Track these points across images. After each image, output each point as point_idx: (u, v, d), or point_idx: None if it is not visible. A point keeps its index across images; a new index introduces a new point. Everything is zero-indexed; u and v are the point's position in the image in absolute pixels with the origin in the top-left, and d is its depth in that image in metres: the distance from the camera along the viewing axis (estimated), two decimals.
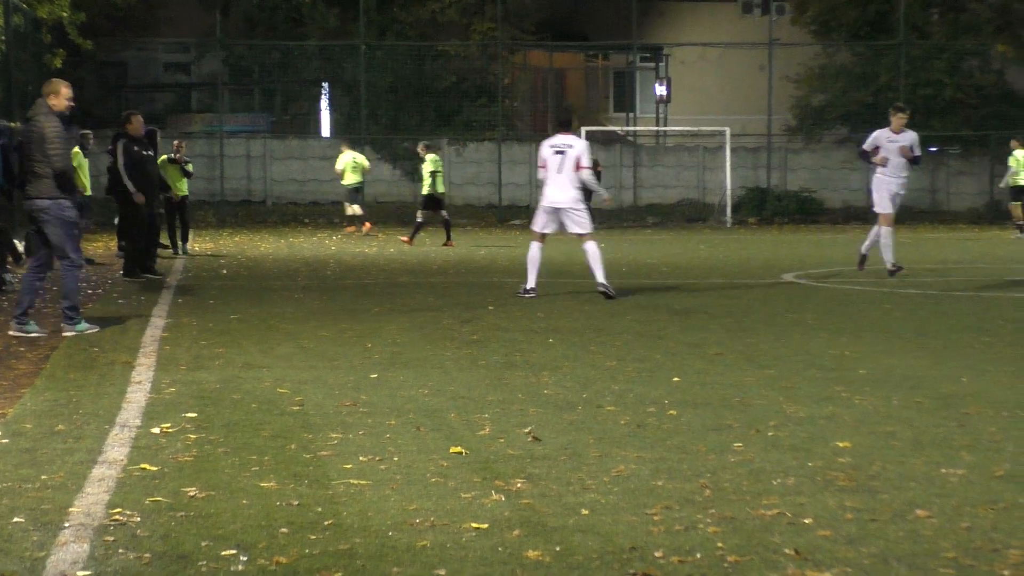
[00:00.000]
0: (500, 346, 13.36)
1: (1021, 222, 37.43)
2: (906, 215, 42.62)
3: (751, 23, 55.02)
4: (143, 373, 11.43)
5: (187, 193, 28.36)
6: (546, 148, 18.85)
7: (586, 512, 6.80)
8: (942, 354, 12.86)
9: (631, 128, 52.70)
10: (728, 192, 44.94)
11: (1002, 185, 39.02)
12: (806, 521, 6.63)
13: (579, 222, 18.75)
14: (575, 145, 18.70)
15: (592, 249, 18.69)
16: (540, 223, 19.01)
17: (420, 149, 33.43)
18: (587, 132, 44.39)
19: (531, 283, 18.84)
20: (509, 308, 17.15)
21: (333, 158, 45.00)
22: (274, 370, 11.65)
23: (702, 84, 54.61)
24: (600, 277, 18.61)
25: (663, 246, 32.42)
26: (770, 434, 8.84)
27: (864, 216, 40.22)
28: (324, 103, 51.93)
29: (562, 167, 18.58)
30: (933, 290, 20.28)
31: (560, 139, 18.83)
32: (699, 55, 52.85)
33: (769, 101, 47.63)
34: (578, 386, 10.81)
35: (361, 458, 8.05)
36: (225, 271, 23.95)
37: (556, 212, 18.80)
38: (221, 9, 48.34)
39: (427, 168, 32.28)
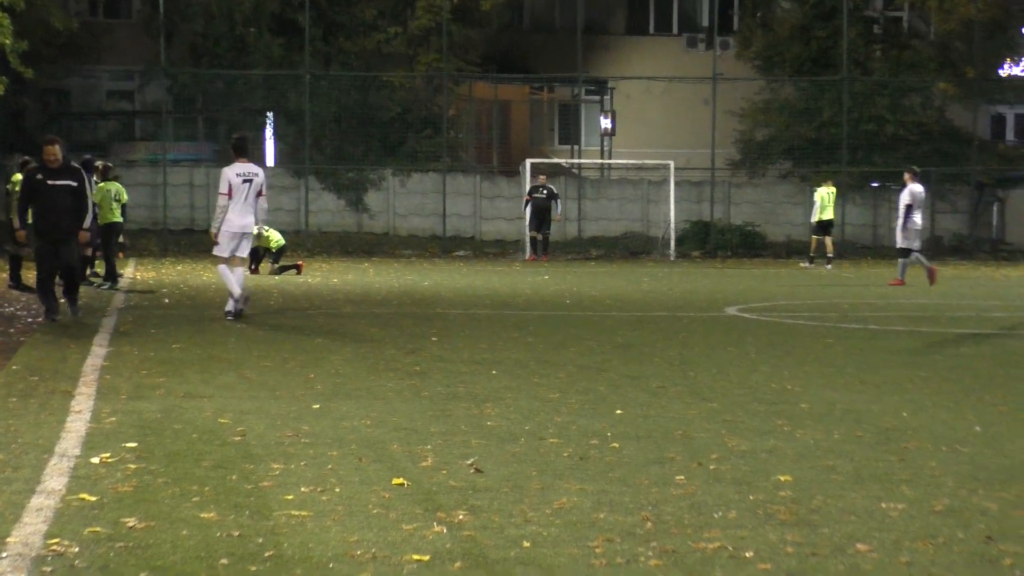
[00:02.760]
0: (443, 377, 13.34)
1: (829, 255, 39.39)
2: (848, 250, 42.91)
3: (695, 57, 55.23)
4: (83, 402, 11.35)
5: (118, 220, 27.53)
6: (234, 176, 19.56)
7: (528, 544, 6.79)
8: (883, 389, 12.94)
9: (576, 160, 52.77)
10: (672, 225, 45.07)
11: (812, 221, 40.44)
12: (747, 555, 6.65)
13: (247, 246, 19.98)
14: (260, 173, 19.73)
15: (240, 272, 19.76)
16: (228, 249, 19.64)
17: None
18: (532, 164, 44.48)
19: (235, 297, 19.57)
20: (452, 339, 17.13)
21: (277, 187, 44.96)
22: (215, 400, 11.60)
23: (647, 117, 54.77)
24: (236, 294, 19.50)
25: (607, 279, 32.49)
26: (712, 467, 8.86)
27: (805, 251, 40.49)
28: (269, 132, 51.79)
29: (248, 195, 19.47)
30: (874, 325, 20.40)
31: (243, 167, 19.63)
32: (644, 89, 53.01)
33: (713, 135, 47.82)
34: (521, 418, 10.80)
35: (302, 489, 8.02)
36: (167, 300, 23.83)
37: (242, 236, 19.68)
38: (165, 37, 48.19)
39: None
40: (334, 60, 49.99)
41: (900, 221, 31.23)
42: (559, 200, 42.80)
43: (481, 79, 52.80)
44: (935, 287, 29.30)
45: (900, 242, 31.33)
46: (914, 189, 30.96)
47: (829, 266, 38.93)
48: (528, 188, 42.49)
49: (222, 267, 19.83)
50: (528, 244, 42.56)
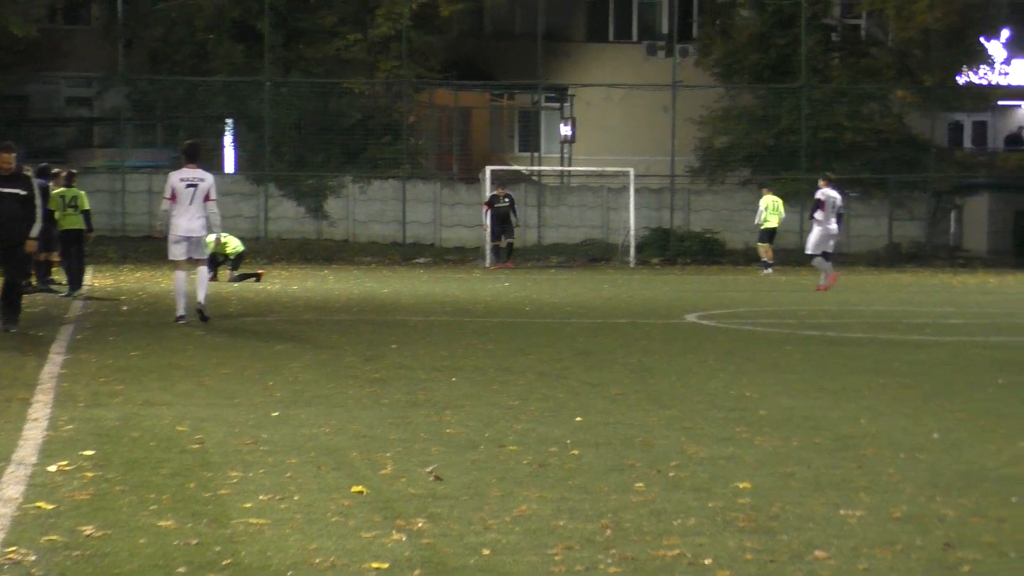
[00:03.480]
0: (403, 384, 13.33)
1: (765, 259, 39.86)
2: (806, 257, 43.03)
3: (655, 65, 55.31)
4: (40, 410, 11.30)
5: (76, 227, 27.28)
6: (177, 181, 20.01)
7: (487, 552, 6.79)
8: (841, 395, 12.98)
9: (536, 168, 52.80)
10: (632, 232, 45.12)
11: (756, 224, 41.01)
12: (706, 562, 6.66)
13: (202, 250, 20.51)
14: (206, 179, 20.02)
15: (203, 274, 20.46)
16: (180, 252, 20.13)
17: None
18: (492, 171, 44.49)
19: (180, 311, 20.01)
20: (412, 346, 17.12)
21: (237, 194, 44.89)
22: (174, 408, 11.56)
23: (607, 124, 54.82)
24: (202, 299, 20.12)
25: (567, 285, 32.52)
26: (671, 474, 8.87)
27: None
28: (228, 139, 51.65)
29: (193, 199, 19.83)
30: (833, 332, 20.47)
31: (189, 172, 20.07)
32: (604, 96, 53.10)
33: (672, 142, 47.92)
34: (481, 425, 10.80)
35: (261, 497, 7.99)
36: (126, 307, 23.73)
37: (189, 240, 20.07)
38: (124, 43, 47.99)
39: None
40: (294, 67, 49.88)
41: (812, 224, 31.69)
42: (518, 207, 42.98)
43: (441, 86, 52.76)
44: (825, 295, 29.29)
45: (819, 247, 31.29)
46: (828, 192, 31.15)
47: (766, 271, 39.30)
48: (488, 197, 42.49)
49: (178, 274, 20.32)
50: (489, 252, 42.55)
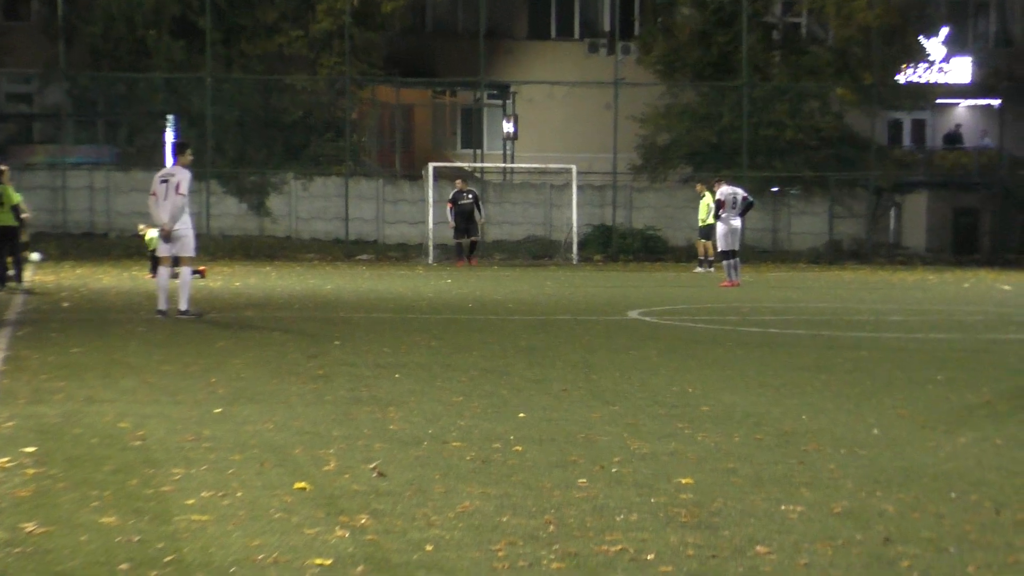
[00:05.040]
0: (346, 381, 13.31)
1: (702, 258, 40.15)
2: (749, 254, 43.23)
3: (597, 62, 55.40)
4: None
5: (10, 224, 27.30)
6: (156, 178, 20.90)
7: (430, 548, 6.80)
8: (782, 392, 13.05)
9: (478, 164, 52.81)
10: (574, 229, 45.20)
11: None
12: (648, 557, 6.69)
13: (186, 245, 20.84)
14: (177, 174, 20.58)
15: (185, 275, 20.84)
16: (164, 249, 20.99)
17: None
18: (435, 168, 44.48)
19: (162, 305, 20.68)
20: (355, 343, 17.10)
21: None
22: (117, 404, 11.51)
23: (549, 122, 54.89)
24: (184, 304, 20.54)
25: (510, 283, 32.54)
26: (614, 470, 8.90)
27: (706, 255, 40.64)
28: (170, 135, 51.42)
29: (167, 194, 20.46)
30: (774, 328, 20.58)
31: (166, 169, 21.20)
32: (546, 93, 53.14)
33: (615, 140, 48.05)
34: (424, 421, 10.80)
35: (204, 493, 7.97)
36: (67, 304, 23.59)
37: (167, 236, 20.68)
38: (64, 39, 47.70)
39: None
40: (236, 63, 49.71)
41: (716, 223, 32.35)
42: (483, 203, 42.72)
43: (383, 83, 52.70)
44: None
45: (720, 245, 32.09)
46: (725, 190, 31.86)
47: (700, 269, 39.47)
48: (452, 194, 42.37)
49: (161, 270, 21.14)
50: (456, 250, 42.45)
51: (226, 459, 9.08)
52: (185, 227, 20.67)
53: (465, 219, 41.62)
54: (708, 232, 39.51)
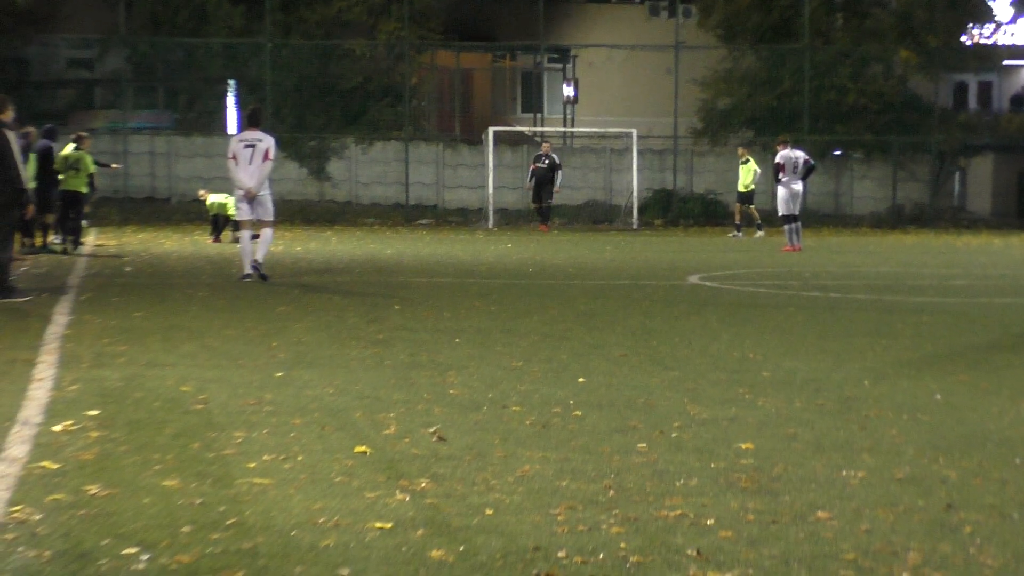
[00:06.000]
0: (406, 346, 13.34)
1: (739, 222, 39.63)
2: (810, 218, 43.03)
3: (657, 26, 55.20)
4: (45, 371, 11.31)
5: (79, 189, 28.02)
6: (236, 142, 21.10)
7: (490, 512, 6.81)
8: (844, 357, 12.99)
9: (538, 129, 52.74)
10: (635, 194, 45.07)
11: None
12: (708, 522, 6.68)
13: (267, 209, 21.06)
14: (264, 139, 20.88)
15: (267, 234, 21.14)
16: (244, 212, 21.14)
17: None
18: (495, 132, 44.43)
19: (247, 269, 20.77)
20: (415, 308, 17.12)
21: None
22: (178, 368, 11.57)
23: (609, 86, 54.77)
24: (260, 257, 20.79)
25: (569, 247, 32.51)
26: (674, 435, 8.89)
27: (770, 219, 40.40)
28: (230, 101, 51.59)
29: (252, 159, 20.69)
30: (835, 293, 20.47)
31: (248, 134, 21.06)
32: (606, 57, 53.00)
33: (675, 104, 47.86)
34: (484, 386, 10.81)
35: (265, 457, 8.01)
36: (129, 269, 23.75)
37: (246, 198, 20.91)
38: (124, 5, 47.90)
39: None
40: (294, 29, 49.76)
41: (776, 187, 32.07)
42: (560, 170, 42.21)
43: (443, 47, 52.66)
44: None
45: (781, 209, 31.87)
46: (786, 154, 31.63)
47: (739, 234, 39.25)
48: (533, 157, 42.19)
49: (243, 233, 21.32)
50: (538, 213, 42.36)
51: (287, 423, 9.12)
52: (267, 191, 20.99)
53: (540, 184, 41.42)
54: (748, 197, 39.40)
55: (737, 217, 39.81)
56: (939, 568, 6.01)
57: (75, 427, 8.85)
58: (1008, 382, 11.47)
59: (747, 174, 39.18)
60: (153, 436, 8.61)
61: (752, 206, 39.49)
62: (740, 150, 41.21)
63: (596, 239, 37.20)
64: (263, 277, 20.53)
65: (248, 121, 21.62)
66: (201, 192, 34.25)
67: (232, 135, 21.74)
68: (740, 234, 39.07)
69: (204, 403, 9.86)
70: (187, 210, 43.89)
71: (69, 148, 28.09)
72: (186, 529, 6.39)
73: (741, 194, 39.60)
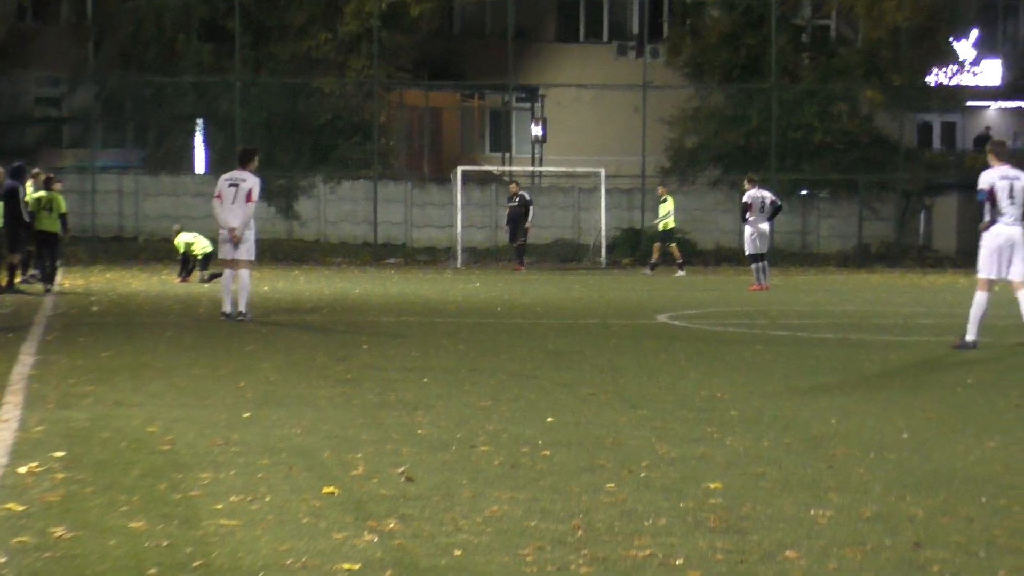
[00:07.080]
0: (374, 385, 13.32)
1: (654, 262, 40.02)
2: (777, 257, 43.13)
3: (626, 65, 55.37)
4: (10, 411, 11.25)
5: (54, 230, 28.04)
6: (222, 181, 21.22)
7: (459, 552, 6.79)
8: (811, 395, 13.02)
9: (507, 168, 52.81)
10: (603, 233, 45.15)
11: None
12: (677, 562, 6.67)
13: (248, 248, 20.92)
14: (248, 179, 20.96)
15: (244, 279, 20.73)
16: (226, 251, 20.91)
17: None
18: (463, 171, 44.48)
19: (226, 307, 20.71)
20: (384, 347, 17.11)
21: (207, 194, 44.64)
22: (145, 408, 11.53)
23: (577, 125, 54.87)
24: (243, 307, 20.63)
25: (538, 286, 32.53)
26: (642, 475, 8.89)
27: (736, 258, 40.43)
28: (199, 139, 51.53)
29: (235, 198, 20.73)
30: (803, 332, 20.52)
31: (234, 173, 21.19)
32: (574, 96, 53.12)
33: (643, 142, 47.99)
34: (452, 425, 10.80)
35: (232, 498, 7.98)
36: (96, 308, 23.67)
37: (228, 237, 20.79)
38: (94, 42, 47.86)
39: None
40: (264, 66, 49.80)
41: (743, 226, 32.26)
42: (532, 206, 42.24)
43: (412, 86, 52.75)
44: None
45: (748, 248, 32.02)
46: (753, 194, 31.74)
47: (648, 271, 39.53)
48: (507, 199, 42.44)
49: (225, 272, 21.04)
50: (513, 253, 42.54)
51: (254, 463, 9.09)
52: (250, 231, 20.94)
53: (513, 222, 41.56)
54: (667, 236, 39.45)
55: (654, 255, 39.88)
56: None
57: (40, 468, 8.80)
58: (974, 420, 11.50)
59: (665, 212, 39.26)
60: (119, 477, 8.57)
61: (673, 244, 39.63)
62: (660, 189, 41.15)
63: (564, 278, 37.24)
64: (240, 318, 20.48)
65: (238, 160, 21.70)
66: (176, 227, 34.42)
67: (222, 175, 21.55)
68: (652, 272, 39.35)
69: (171, 443, 9.82)
70: (155, 248, 43.81)
71: (41, 193, 28.17)
72: (152, 571, 6.36)
73: (661, 233, 39.72)
